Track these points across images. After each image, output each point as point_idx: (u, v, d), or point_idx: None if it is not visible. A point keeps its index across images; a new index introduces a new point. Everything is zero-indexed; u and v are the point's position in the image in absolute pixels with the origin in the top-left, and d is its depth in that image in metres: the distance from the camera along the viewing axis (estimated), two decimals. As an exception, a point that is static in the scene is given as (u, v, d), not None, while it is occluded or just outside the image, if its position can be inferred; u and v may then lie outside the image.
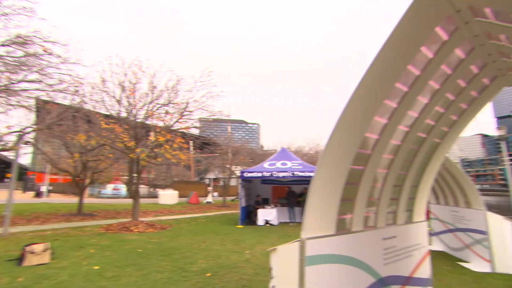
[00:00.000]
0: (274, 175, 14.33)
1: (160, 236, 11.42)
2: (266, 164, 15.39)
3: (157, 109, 14.07)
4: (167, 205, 27.27)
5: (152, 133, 14.34)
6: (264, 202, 16.90)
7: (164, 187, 39.35)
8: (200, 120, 16.16)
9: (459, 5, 2.26)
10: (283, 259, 2.66)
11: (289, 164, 14.99)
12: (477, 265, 7.38)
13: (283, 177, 14.40)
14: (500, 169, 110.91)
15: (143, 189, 41.65)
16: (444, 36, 2.70)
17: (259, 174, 14.48)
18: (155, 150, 13.42)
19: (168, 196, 30.30)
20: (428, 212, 12.37)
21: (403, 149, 3.41)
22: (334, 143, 2.43)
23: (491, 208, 8.11)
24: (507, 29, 2.57)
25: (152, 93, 13.95)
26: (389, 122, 2.88)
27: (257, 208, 15.46)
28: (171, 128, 14.12)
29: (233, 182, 35.20)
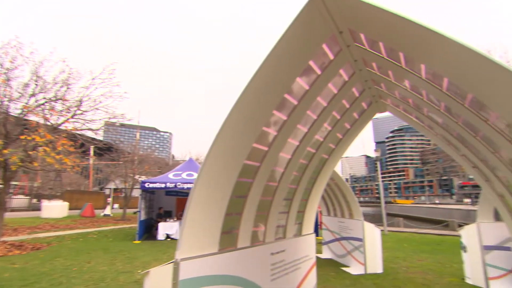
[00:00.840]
0: (179, 186, 13.52)
1: (28, 259, 9.18)
2: (171, 175, 14.44)
3: (41, 104, 11.65)
4: (52, 219, 22.76)
5: (28, 132, 11.72)
6: (167, 215, 15.75)
7: (51, 197, 32.92)
8: (106, 124, 14.16)
9: (341, 27, 2.36)
10: (157, 284, 2.25)
11: (195, 175, 14.43)
12: (355, 269, 8.32)
13: (188, 188, 13.74)
14: (376, 185, 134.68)
15: (20, 200, 34.28)
16: (330, 55, 2.84)
17: (162, 185, 13.44)
18: (31, 152, 10.97)
19: (55, 208, 25.39)
20: (321, 223, 13.67)
21: (293, 162, 3.47)
22: (218, 153, 2.21)
23: (368, 217, 9.39)
24: (377, 57, 2.86)
25: (36, 84, 11.53)
26: (279, 134, 2.84)
27: (158, 222, 14.25)
28: (57, 128, 11.86)
29: (136, 193, 32.12)
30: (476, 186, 78.84)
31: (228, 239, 2.72)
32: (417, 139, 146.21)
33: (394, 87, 3.33)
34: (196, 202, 2.20)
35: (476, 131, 2.92)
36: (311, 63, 2.60)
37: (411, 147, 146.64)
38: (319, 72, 2.80)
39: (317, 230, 14.12)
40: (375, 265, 8.08)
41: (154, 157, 33.05)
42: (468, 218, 29.95)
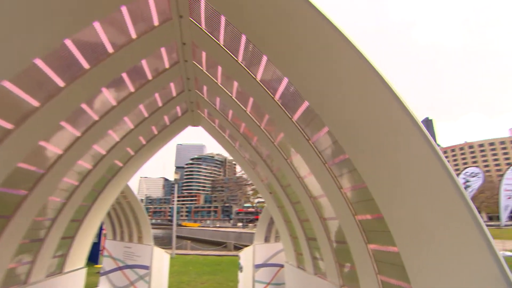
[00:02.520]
0: None
1: None
2: None
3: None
4: None
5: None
6: None
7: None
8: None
9: (186, 38, 1.83)
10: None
11: None
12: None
13: None
14: (170, 207, 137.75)
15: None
16: (166, 63, 2.18)
17: None
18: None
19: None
20: (103, 249, 11.43)
21: (65, 162, 2.26)
22: None
23: (158, 239, 8.63)
24: (210, 81, 2.46)
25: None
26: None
27: None
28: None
29: None
30: (248, 213, 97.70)
31: None
32: (212, 169, 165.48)
33: (217, 93, 3.06)
34: None
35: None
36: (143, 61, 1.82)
37: (206, 175, 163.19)
38: (145, 80, 1.99)
39: (97, 257, 11.81)
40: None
41: None
42: (240, 239, 35.73)
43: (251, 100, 4.16)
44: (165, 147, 4.68)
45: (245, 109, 4.29)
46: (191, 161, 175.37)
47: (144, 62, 2.31)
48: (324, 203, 4.55)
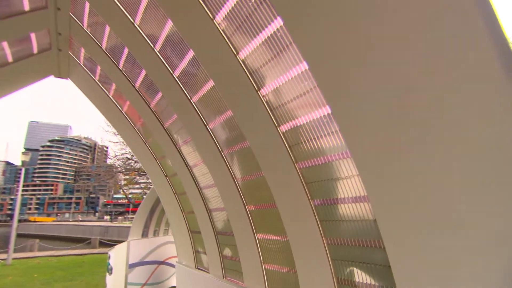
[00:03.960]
0: None
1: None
2: None
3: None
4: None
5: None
6: None
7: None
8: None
9: None
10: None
11: None
12: None
13: None
14: (12, 199, 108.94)
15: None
16: None
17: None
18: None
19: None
20: None
21: None
22: None
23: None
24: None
25: None
26: None
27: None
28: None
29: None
30: (118, 205, 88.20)
31: None
32: (78, 154, 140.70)
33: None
34: None
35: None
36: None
37: (68, 161, 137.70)
38: None
39: None
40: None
41: None
42: (107, 234, 31.74)
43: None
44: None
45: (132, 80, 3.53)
46: (49, 143, 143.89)
47: None
48: (211, 193, 4.31)
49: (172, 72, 3.31)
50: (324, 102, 2.06)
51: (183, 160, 4.17)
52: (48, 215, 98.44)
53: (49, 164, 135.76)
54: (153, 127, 4.10)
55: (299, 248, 2.78)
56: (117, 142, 16.53)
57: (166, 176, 4.63)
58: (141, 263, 6.80)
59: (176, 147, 4.12)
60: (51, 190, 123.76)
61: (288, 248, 2.91)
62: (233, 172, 3.62)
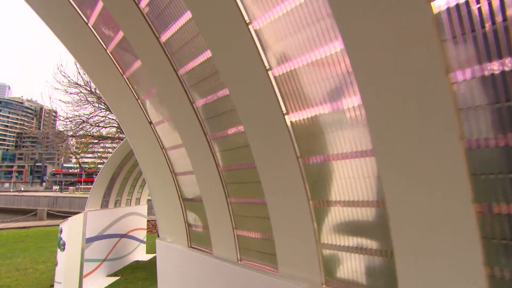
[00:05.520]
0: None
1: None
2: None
3: None
4: None
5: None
6: None
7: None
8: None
9: None
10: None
11: None
12: None
13: None
14: None
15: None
16: None
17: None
18: None
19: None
20: None
21: None
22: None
23: None
24: None
25: None
26: None
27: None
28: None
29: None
30: (69, 175, 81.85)
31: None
32: (19, 118, 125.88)
33: None
34: None
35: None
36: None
37: (7, 126, 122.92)
38: None
39: None
40: None
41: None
42: (56, 204, 29.30)
43: None
44: None
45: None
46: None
47: None
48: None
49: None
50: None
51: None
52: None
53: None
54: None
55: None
56: (69, 103, 14.48)
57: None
58: (100, 237, 5.90)
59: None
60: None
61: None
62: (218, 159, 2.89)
